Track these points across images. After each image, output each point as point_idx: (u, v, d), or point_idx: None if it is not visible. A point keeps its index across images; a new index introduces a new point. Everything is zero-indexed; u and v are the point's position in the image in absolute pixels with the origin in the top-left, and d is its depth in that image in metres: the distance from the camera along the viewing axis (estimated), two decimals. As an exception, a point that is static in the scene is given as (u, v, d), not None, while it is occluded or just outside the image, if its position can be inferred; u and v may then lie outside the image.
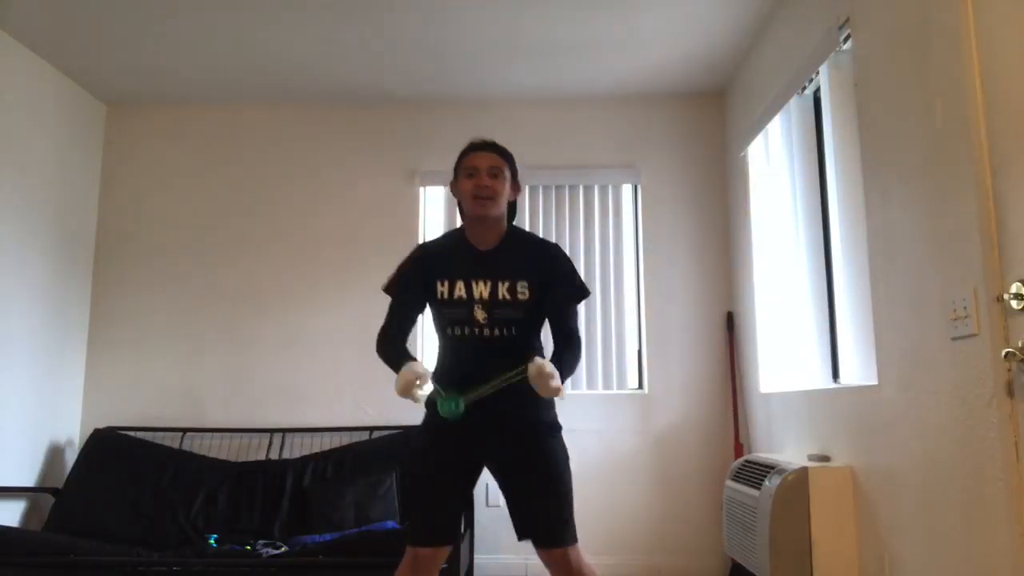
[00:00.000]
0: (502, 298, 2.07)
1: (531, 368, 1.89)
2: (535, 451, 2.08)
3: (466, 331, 2.08)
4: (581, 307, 4.23)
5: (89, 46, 3.72)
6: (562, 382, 1.93)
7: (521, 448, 2.08)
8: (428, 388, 2.00)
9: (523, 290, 2.07)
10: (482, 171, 2.08)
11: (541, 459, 2.07)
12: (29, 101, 3.76)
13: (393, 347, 2.12)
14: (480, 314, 2.06)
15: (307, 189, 4.31)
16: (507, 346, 2.08)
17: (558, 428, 2.15)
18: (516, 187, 2.18)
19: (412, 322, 2.20)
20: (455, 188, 2.16)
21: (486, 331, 2.07)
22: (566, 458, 2.11)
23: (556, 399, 2.08)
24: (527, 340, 2.12)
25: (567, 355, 2.07)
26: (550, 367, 1.88)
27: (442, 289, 2.09)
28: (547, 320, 2.16)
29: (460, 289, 2.08)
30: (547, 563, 2.06)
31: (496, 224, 2.14)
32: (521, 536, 2.07)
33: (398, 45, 3.73)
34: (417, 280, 2.15)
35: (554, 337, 2.14)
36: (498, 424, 2.07)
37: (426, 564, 2.06)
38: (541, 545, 2.05)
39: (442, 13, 3.43)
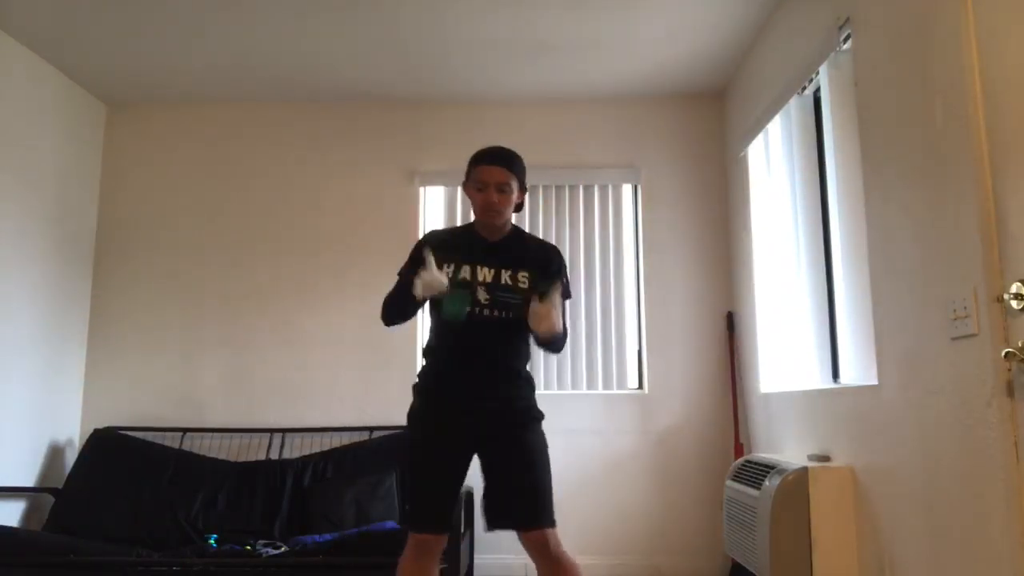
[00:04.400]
0: (504, 283, 2.22)
1: (534, 304, 2.10)
2: (517, 435, 2.20)
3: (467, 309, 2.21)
4: (581, 305, 4.26)
5: (89, 46, 3.72)
6: (552, 342, 2.18)
7: (504, 431, 2.20)
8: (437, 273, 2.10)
9: (523, 279, 2.24)
10: (491, 187, 2.20)
11: (522, 443, 2.19)
12: (29, 101, 3.76)
13: (398, 292, 2.27)
14: (482, 295, 2.20)
15: (307, 189, 4.31)
16: (504, 326, 2.22)
17: (540, 417, 2.27)
18: (523, 192, 2.32)
19: None
20: (467, 190, 2.29)
21: (487, 311, 2.20)
22: (544, 447, 2.23)
23: (536, 393, 2.30)
24: (522, 326, 2.21)
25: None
26: (550, 308, 2.08)
27: (447, 269, 2.20)
28: None
29: (465, 272, 2.22)
30: (528, 547, 2.13)
31: (503, 225, 2.30)
32: (491, 524, 2.16)
33: (398, 45, 3.73)
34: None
35: None
36: (484, 407, 2.20)
37: (427, 551, 2.18)
38: (519, 526, 2.12)
39: (442, 13, 3.43)
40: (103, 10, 3.39)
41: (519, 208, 2.33)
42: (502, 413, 2.21)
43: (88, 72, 4.00)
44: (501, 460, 2.20)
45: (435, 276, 2.06)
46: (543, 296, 2.13)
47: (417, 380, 2.32)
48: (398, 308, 2.26)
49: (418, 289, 2.06)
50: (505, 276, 2.22)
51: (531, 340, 2.28)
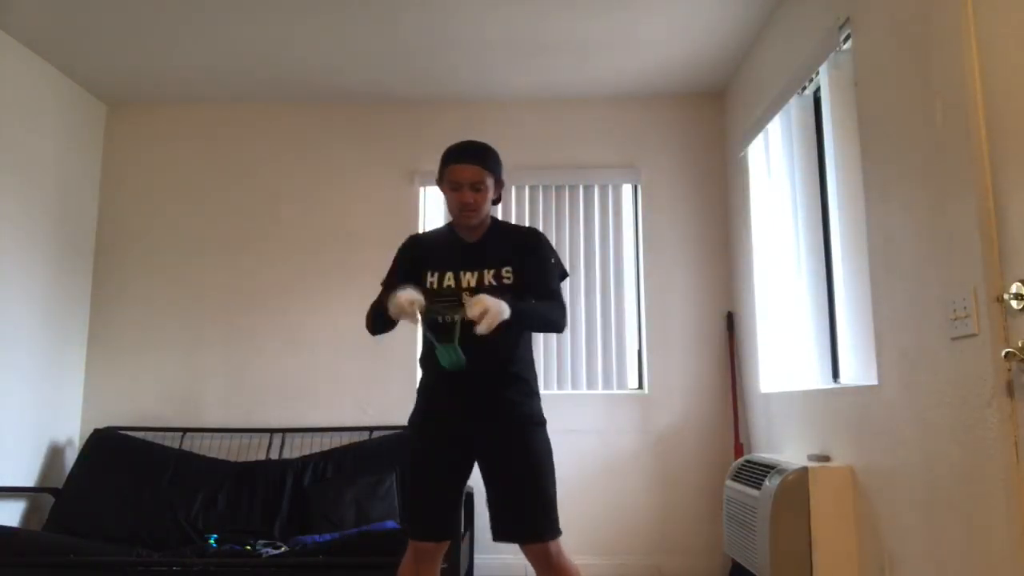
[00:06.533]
0: (488, 284, 2.13)
1: (470, 300, 1.91)
2: (517, 443, 2.12)
3: (455, 318, 2.06)
4: (581, 306, 4.25)
5: (89, 46, 3.72)
6: (527, 327, 2.11)
7: (504, 440, 2.12)
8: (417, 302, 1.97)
9: (507, 274, 2.15)
10: (464, 186, 2.14)
11: (522, 452, 2.11)
12: (29, 101, 3.76)
13: (379, 303, 2.14)
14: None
15: (307, 189, 4.31)
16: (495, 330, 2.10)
17: (542, 422, 2.18)
18: (500, 185, 2.25)
19: None
20: (441, 188, 2.25)
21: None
22: (548, 452, 2.15)
23: (540, 396, 2.21)
24: (514, 327, 2.11)
25: (539, 303, 2.10)
26: (490, 302, 1.88)
27: (432, 280, 2.16)
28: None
29: (449, 279, 2.16)
30: (529, 559, 2.10)
31: (481, 223, 2.24)
32: (497, 536, 2.09)
33: (398, 45, 3.73)
34: (407, 269, 2.23)
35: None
36: (483, 414, 2.13)
37: (427, 557, 2.14)
38: (521, 541, 2.08)
39: (442, 13, 3.43)
40: (103, 10, 3.39)
41: (497, 202, 2.28)
42: (498, 421, 2.12)
43: (88, 72, 4.00)
44: (500, 472, 2.12)
45: (403, 301, 1.94)
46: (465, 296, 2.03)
47: (418, 387, 2.27)
48: (381, 321, 2.13)
49: (392, 310, 1.97)
50: (488, 277, 2.13)
51: (526, 341, 2.21)
